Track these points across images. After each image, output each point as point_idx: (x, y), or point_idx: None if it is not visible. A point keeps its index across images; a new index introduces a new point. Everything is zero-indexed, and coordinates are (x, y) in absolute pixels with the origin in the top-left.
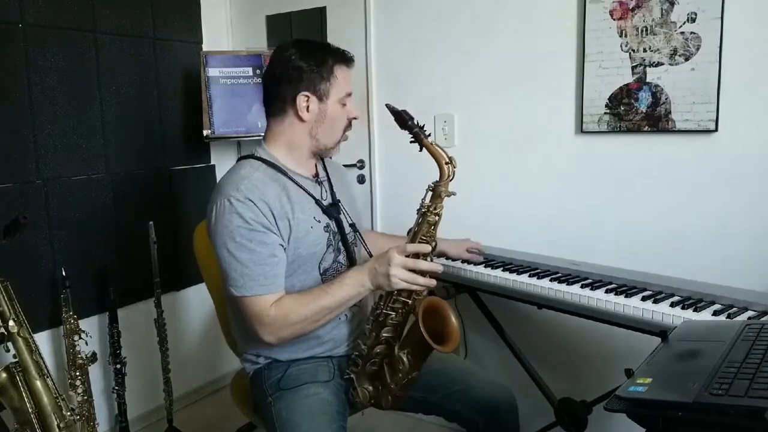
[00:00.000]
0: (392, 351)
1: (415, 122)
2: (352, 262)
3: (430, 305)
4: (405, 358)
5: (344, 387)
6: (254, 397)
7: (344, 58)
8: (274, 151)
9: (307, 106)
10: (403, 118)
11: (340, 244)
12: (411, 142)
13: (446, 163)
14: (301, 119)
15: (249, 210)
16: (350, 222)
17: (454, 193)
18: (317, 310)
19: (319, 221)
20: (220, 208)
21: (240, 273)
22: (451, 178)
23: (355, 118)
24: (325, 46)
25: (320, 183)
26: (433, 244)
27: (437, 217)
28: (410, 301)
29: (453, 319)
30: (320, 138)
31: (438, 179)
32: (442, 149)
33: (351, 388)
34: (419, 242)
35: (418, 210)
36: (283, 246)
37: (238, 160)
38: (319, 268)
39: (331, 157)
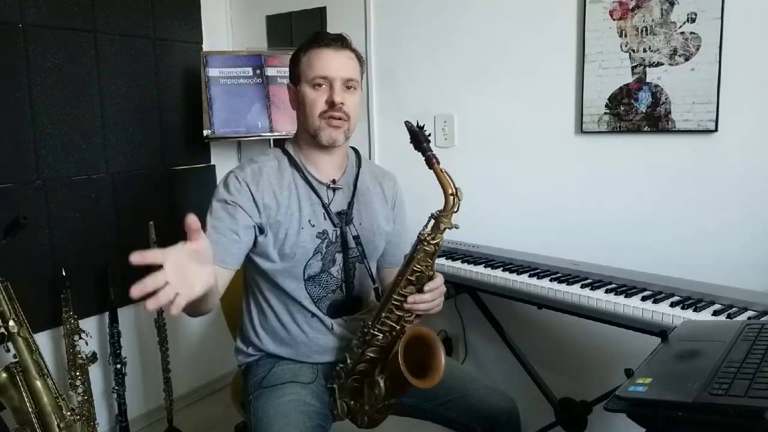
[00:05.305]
0: (374, 372)
1: (430, 145)
2: (348, 278)
3: (418, 335)
4: (382, 384)
5: (327, 391)
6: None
7: (316, 40)
8: (295, 146)
9: (290, 95)
10: (418, 139)
11: (336, 255)
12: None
13: (451, 194)
14: (295, 109)
15: (237, 188)
16: (354, 234)
17: (456, 226)
18: None
19: (314, 225)
20: (224, 179)
21: None
22: (455, 210)
23: (334, 102)
24: (313, 34)
25: (334, 190)
26: (431, 273)
27: (436, 247)
28: (398, 326)
29: (440, 353)
30: (304, 124)
31: (442, 209)
32: (450, 178)
33: (332, 398)
34: (413, 270)
35: (418, 236)
36: (253, 229)
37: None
38: (304, 273)
39: (327, 145)
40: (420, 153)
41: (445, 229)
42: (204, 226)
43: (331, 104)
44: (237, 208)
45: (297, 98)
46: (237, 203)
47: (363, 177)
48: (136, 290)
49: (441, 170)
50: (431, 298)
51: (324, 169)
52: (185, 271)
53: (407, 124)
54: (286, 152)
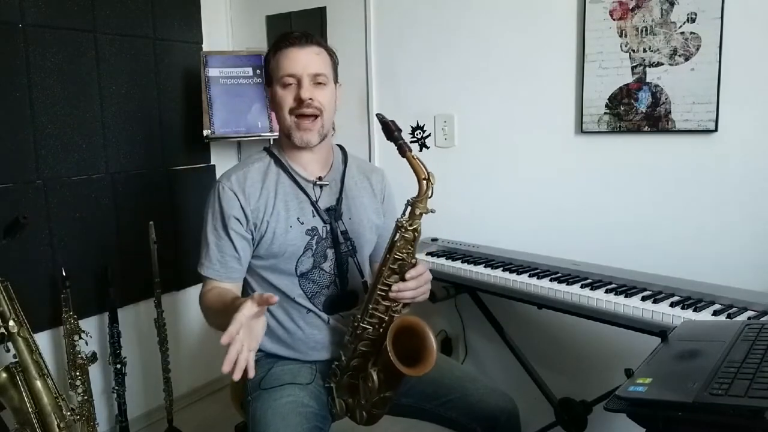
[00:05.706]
0: (367, 366)
1: (401, 134)
2: (341, 273)
3: (406, 325)
4: (375, 376)
5: (325, 391)
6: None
7: (282, 40)
8: (279, 147)
9: (269, 98)
10: (389, 129)
11: (328, 251)
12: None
13: (424, 179)
14: (272, 111)
15: (229, 201)
16: (342, 229)
17: (432, 211)
18: (212, 320)
19: (303, 223)
20: (214, 189)
21: (206, 254)
22: (429, 195)
23: (302, 99)
24: (280, 34)
25: (321, 187)
26: (413, 261)
27: (415, 233)
28: (387, 317)
29: (430, 340)
30: (279, 123)
31: (416, 195)
32: (422, 164)
33: (330, 397)
34: (395, 258)
35: (396, 224)
36: (248, 238)
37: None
38: (296, 270)
39: (301, 146)
40: (392, 143)
41: (421, 214)
42: (204, 236)
43: (300, 101)
44: (232, 224)
45: (271, 98)
46: (231, 215)
47: (350, 173)
48: (227, 367)
49: (413, 157)
50: (415, 285)
51: (308, 166)
52: (251, 327)
53: (378, 116)
54: (271, 153)
